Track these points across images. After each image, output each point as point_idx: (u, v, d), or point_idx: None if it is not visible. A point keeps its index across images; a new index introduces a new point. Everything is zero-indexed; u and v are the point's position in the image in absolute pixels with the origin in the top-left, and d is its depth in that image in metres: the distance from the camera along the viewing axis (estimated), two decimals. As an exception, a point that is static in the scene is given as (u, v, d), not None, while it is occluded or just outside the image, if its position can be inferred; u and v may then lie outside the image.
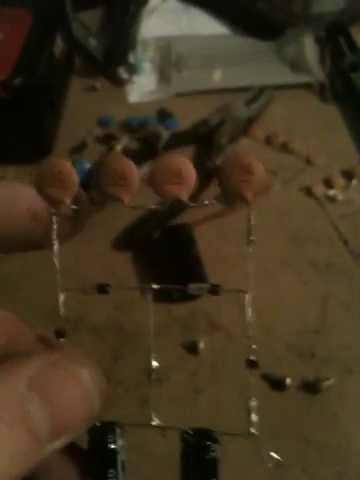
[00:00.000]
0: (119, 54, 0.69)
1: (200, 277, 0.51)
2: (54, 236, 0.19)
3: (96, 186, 0.18)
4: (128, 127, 0.64)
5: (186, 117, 0.65)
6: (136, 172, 0.18)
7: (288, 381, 0.47)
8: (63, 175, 0.18)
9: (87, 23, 0.74)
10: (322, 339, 0.50)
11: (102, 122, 0.65)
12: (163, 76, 0.70)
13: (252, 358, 0.20)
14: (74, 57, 0.71)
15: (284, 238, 0.56)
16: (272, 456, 0.19)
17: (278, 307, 0.52)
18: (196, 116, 0.65)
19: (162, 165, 0.18)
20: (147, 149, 0.61)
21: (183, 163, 0.18)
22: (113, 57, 0.69)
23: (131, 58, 0.69)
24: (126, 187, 0.18)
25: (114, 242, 0.56)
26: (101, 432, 0.19)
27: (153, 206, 0.19)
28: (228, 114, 0.64)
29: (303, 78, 0.70)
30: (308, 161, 0.62)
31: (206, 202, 0.19)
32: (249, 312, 0.19)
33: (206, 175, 0.58)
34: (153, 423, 0.20)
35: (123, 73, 0.68)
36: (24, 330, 0.22)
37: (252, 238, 0.19)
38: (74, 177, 0.18)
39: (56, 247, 0.19)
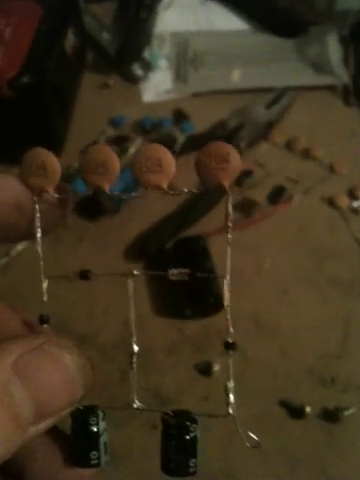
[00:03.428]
0: (133, 50, 0.66)
1: (214, 293, 0.48)
2: (37, 224, 0.20)
3: (80, 175, 0.19)
4: (142, 128, 0.61)
5: (203, 118, 0.62)
6: (117, 161, 0.19)
7: (308, 409, 0.44)
8: (46, 165, 0.19)
9: (100, 16, 0.70)
10: (343, 364, 0.47)
11: (114, 122, 0.62)
12: (179, 74, 0.67)
13: (229, 340, 0.20)
14: (86, 52, 0.67)
15: (304, 253, 0.53)
16: (251, 437, 0.19)
17: (297, 328, 0.49)
18: (213, 118, 0.62)
19: (142, 155, 0.19)
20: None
21: (162, 152, 0.18)
22: (127, 53, 0.66)
23: (146, 54, 0.66)
24: (106, 175, 0.19)
25: (126, 252, 0.53)
26: (83, 415, 0.19)
27: (133, 194, 0.20)
28: (247, 117, 0.61)
29: (326, 80, 0.66)
30: (331, 169, 0.58)
31: (185, 190, 0.19)
32: (227, 297, 0.20)
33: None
34: (134, 405, 0.20)
35: (137, 70, 0.65)
36: (9, 315, 0.22)
37: (229, 225, 0.20)
38: (57, 167, 0.19)
39: (39, 235, 0.20)
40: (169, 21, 0.71)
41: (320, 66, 0.68)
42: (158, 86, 0.65)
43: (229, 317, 0.20)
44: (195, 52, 0.68)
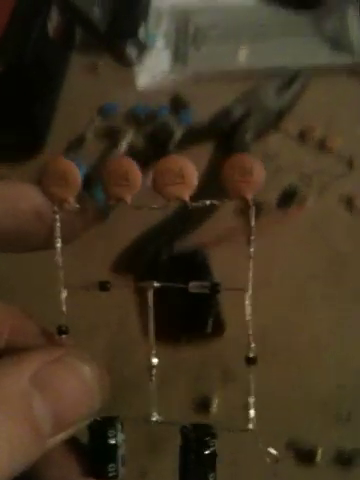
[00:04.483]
0: (127, 27, 0.59)
1: (215, 313, 0.42)
2: (57, 234, 0.19)
3: (100, 187, 0.19)
4: (135, 118, 0.54)
5: (204, 105, 0.55)
6: (139, 173, 0.19)
7: (319, 453, 0.38)
8: (67, 175, 0.19)
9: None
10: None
11: (105, 111, 0.55)
12: (178, 54, 0.60)
13: (251, 355, 0.20)
14: (74, 30, 0.60)
15: (320, 262, 0.47)
16: (270, 451, 0.19)
17: (311, 350, 0.43)
18: (216, 104, 0.55)
19: (163, 167, 0.18)
20: (156, 148, 0.51)
21: (184, 163, 0.18)
22: (119, 30, 0.58)
23: (141, 32, 0.58)
24: (128, 187, 0.19)
25: (113, 264, 0.47)
26: (101, 427, 0.19)
27: (154, 206, 0.19)
28: (255, 103, 0.54)
29: (345, 59, 0.58)
30: (350, 164, 0.51)
31: (208, 202, 0.19)
32: (249, 310, 0.19)
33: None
34: (153, 419, 0.20)
35: (131, 50, 0.58)
36: (28, 324, 0.22)
37: (252, 238, 0.19)
38: (77, 177, 0.19)
39: (59, 245, 0.20)
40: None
41: (338, 43, 0.60)
42: (154, 68, 0.58)
43: (251, 332, 0.19)
44: (196, 28, 0.61)
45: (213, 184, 0.51)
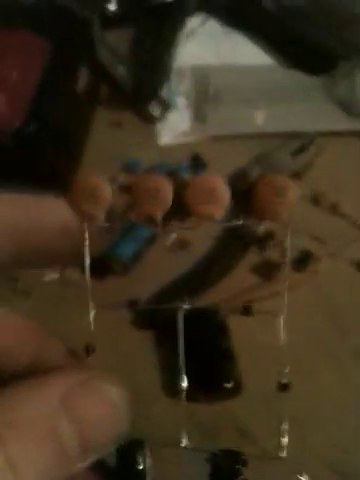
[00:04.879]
0: (150, 87, 0.61)
1: (231, 377, 0.44)
2: (86, 251, 0.19)
3: (130, 207, 0.19)
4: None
5: (222, 165, 0.57)
6: (170, 189, 0.19)
7: None
8: (98, 191, 0.18)
9: (116, 46, 0.65)
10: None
11: (128, 167, 0.57)
12: (198, 113, 0.62)
13: (284, 381, 0.20)
14: (99, 86, 0.63)
15: (327, 322, 0.48)
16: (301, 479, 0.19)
17: (316, 410, 0.44)
18: (234, 164, 0.57)
19: (196, 186, 0.18)
20: (178, 204, 0.53)
21: (216, 182, 0.18)
22: (143, 91, 0.61)
23: (164, 91, 0.61)
24: (158, 205, 0.18)
25: (134, 318, 0.48)
26: (130, 451, 0.19)
27: (185, 225, 0.19)
28: (270, 165, 0.56)
29: (357, 124, 0.61)
30: (360, 228, 0.53)
31: (239, 222, 0.19)
32: (282, 334, 0.20)
33: (245, 244, 0.51)
34: (182, 444, 0.20)
35: (154, 109, 0.60)
36: (53, 343, 0.22)
37: (286, 261, 0.20)
38: (108, 194, 0.19)
39: (87, 262, 0.20)
40: (189, 53, 0.66)
41: (350, 107, 0.62)
42: (175, 127, 0.61)
43: (285, 359, 0.20)
44: (216, 89, 0.64)
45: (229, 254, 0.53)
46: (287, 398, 0.20)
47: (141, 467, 0.19)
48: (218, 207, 0.18)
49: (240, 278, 0.50)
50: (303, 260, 0.50)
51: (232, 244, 0.51)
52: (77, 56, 0.55)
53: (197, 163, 0.57)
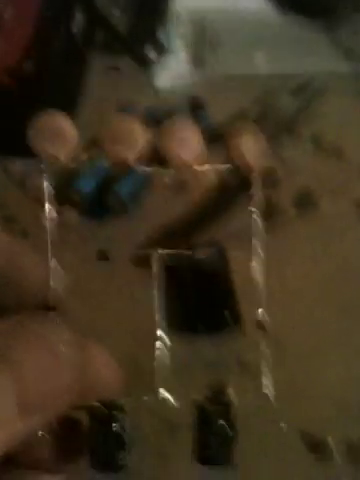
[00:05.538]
0: (146, 29, 0.60)
1: (233, 313, 0.44)
2: (46, 196, 0.19)
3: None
4: (154, 119, 0.55)
5: (221, 107, 0.57)
6: (144, 133, 0.18)
7: (331, 443, 0.40)
8: (62, 131, 0.18)
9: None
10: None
11: (124, 111, 0.56)
12: (196, 56, 0.61)
13: (261, 319, 0.19)
14: (95, 31, 0.61)
15: (334, 265, 0.48)
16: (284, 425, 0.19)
17: (322, 351, 0.44)
18: (232, 106, 0.56)
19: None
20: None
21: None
22: (139, 33, 0.60)
23: (160, 35, 0.60)
24: (131, 147, 0.18)
25: (133, 258, 0.48)
26: (105, 413, 0.18)
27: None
28: (270, 106, 0.56)
29: (358, 67, 0.60)
30: (361, 168, 0.53)
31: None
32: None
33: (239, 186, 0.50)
34: (161, 396, 0.19)
35: (150, 52, 0.59)
36: (25, 249, 0.21)
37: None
38: (74, 133, 0.18)
39: (47, 208, 0.19)
40: (187, -3, 0.65)
41: (352, 51, 0.61)
42: (172, 70, 0.60)
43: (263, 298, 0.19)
44: (214, 32, 0.62)
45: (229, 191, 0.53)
46: (266, 337, 0.20)
47: (120, 429, 0.18)
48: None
49: (239, 217, 0.50)
50: (302, 199, 0.49)
51: (230, 183, 0.51)
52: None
53: (195, 105, 0.56)
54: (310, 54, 0.61)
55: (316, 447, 0.40)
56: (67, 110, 0.54)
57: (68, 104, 0.54)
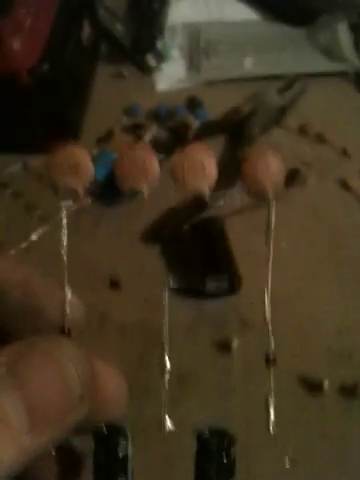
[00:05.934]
0: (147, 41, 0.67)
1: (231, 272, 0.49)
2: (64, 230, 0.19)
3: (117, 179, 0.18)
4: (156, 116, 0.62)
5: (216, 106, 0.63)
6: (156, 164, 0.18)
7: (326, 384, 0.45)
8: (80, 165, 0.18)
9: (113, 8, 0.71)
10: (361, 340, 0.47)
11: (129, 111, 0.63)
12: (192, 63, 0.68)
13: (271, 355, 0.20)
14: (100, 43, 0.68)
15: (320, 234, 0.54)
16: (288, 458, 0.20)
17: (316, 307, 0.49)
18: (227, 105, 0.63)
19: (186, 157, 0.18)
20: (176, 139, 0.59)
21: (205, 155, 0.18)
22: (140, 44, 0.67)
23: (159, 45, 0.67)
24: (146, 178, 0.18)
25: (142, 235, 0.54)
26: (110, 437, 0.18)
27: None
28: (260, 103, 0.62)
29: (338, 66, 0.67)
30: (344, 153, 0.59)
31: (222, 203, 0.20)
32: (268, 310, 0.20)
33: (237, 166, 0.56)
34: (167, 429, 0.19)
35: (151, 60, 0.66)
36: (44, 281, 0.21)
37: (272, 231, 0.20)
38: (91, 167, 0.18)
39: (65, 240, 0.19)
40: (181, 12, 0.72)
41: (331, 53, 0.68)
42: (171, 75, 0.66)
43: (271, 333, 0.20)
44: (207, 42, 0.69)
45: (227, 172, 0.59)
46: (272, 375, 0.20)
47: (123, 454, 0.18)
48: (206, 180, 0.18)
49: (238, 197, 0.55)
50: (290, 176, 0.55)
51: (233, 159, 0.56)
52: (81, 12, 0.60)
53: (194, 103, 0.62)
54: (293, 57, 0.67)
55: (313, 389, 0.45)
56: (79, 108, 0.60)
57: (80, 102, 0.60)
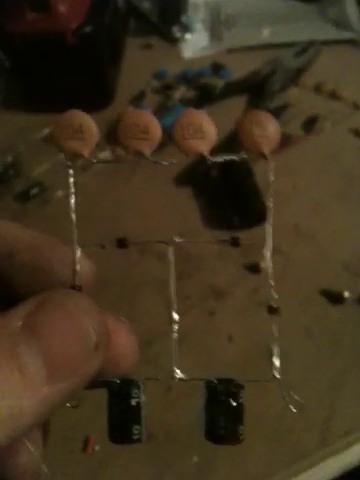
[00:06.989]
0: (172, 15, 0.74)
1: (259, 207, 0.54)
2: (71, 190, 0.19)
3: (118, 141, 0.18)
4: (184, 78, 0.68)
5: (238, 70, 0.69)
6: (158, 126, 0.18)
7: (346, 295, 0.50)
8: (84, 128, 0.18)
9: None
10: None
11: (158, 75, 0.69)
12: (214, 34, 0.74)
13: (273, 305, 0.20)
14: (129, 18, 0.75)
15: (336, 175, 0.59)
16: (294, 399, 0.19)
17: (333, 233, 0.55)
18: (248, 69, 0.69)
19: (183, 120, 0.18)
20: (204, 97, 0.65)
21: (204, 119, 0.18)
22: (167, 17, 0.73)
23: (184, 18, 0.73)
24: (148, 141, 0.18)
25: (176, 179, 0.60)
26: (123, 388, 0.19)
27: (174, 161, 0.19)
28: (278, 65, 0.68)
29: (347, 35, 0.73)
30: (355, 106, 0.65)
31: (226, 157, 0.19)
32: (269, 263, 0.20)
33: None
34: (177, 376, 0.19)
35: (176, 32, 0.73)
36: (58, 246, 0.21)
37: (271, 192, 0.20)
38: (95, 130, 0.18)
39: (73, 201, 0.19)
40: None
41: (340, 24, 0.75)
42: (196, 44, 0.73)
43: (273, 283, 0.20)
44: (227, 16, 0.76)
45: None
46: (275, 322, 0.20)
47: (136, 403, 0.19)
48: (206, 143, 0.18)
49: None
50: (309, 123, 0.61)
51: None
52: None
53: (217, 67, 0.68)
54: (306, 27, 0.74)
55: (335, 299, 0.50)
56: (114, 69, 0.66)
57: (115, 64, 0.67)
